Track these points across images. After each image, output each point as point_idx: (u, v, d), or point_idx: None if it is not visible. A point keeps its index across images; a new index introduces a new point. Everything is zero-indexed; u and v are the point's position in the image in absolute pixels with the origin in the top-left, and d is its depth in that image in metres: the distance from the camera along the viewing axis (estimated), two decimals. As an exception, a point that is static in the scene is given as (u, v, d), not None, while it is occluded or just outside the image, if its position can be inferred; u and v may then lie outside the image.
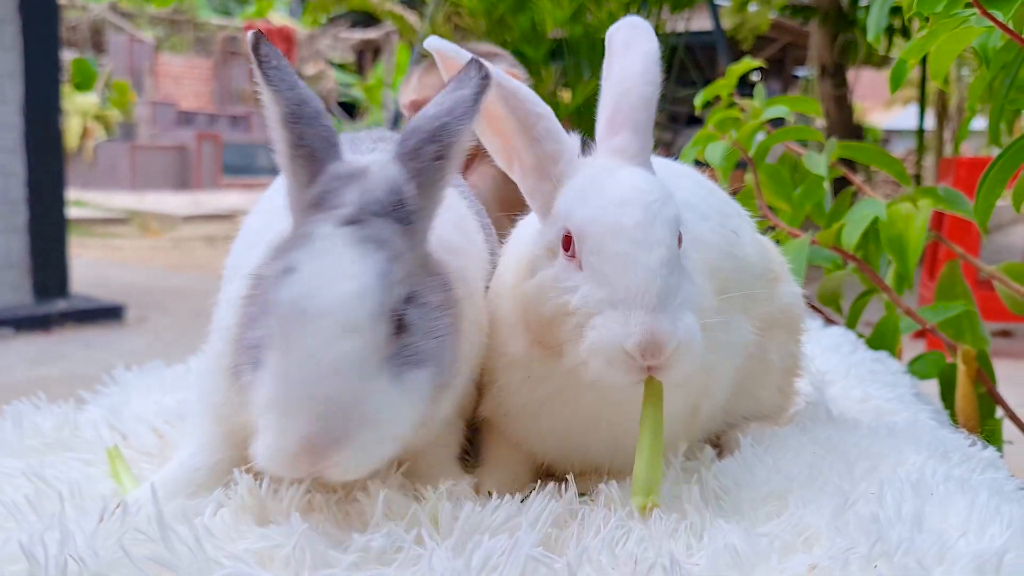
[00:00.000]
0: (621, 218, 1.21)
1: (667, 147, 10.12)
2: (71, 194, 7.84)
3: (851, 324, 2.74)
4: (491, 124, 1.35)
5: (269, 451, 1.05)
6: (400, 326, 1.09)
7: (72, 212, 7.89)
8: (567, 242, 1.25)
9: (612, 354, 1.16)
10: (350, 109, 25.75)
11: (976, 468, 1.39)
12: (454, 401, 1.30)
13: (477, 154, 2.08)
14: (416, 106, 2.35)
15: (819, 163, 2.79)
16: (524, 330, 1.32)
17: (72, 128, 19.21)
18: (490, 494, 1.29)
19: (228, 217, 15.50)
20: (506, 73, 1.33)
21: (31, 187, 7.14)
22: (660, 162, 1.63)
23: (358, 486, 1.21)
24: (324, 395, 1.03)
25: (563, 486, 1.27)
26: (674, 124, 10.22)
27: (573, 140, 1.35)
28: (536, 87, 6.31)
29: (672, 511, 1.19)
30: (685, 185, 1.55)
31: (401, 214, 1.16)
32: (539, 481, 1.36)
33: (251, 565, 1.01)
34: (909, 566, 0.99)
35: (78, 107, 19.88)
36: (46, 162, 7.28)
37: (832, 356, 2.14)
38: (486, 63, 1.23)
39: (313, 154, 1.20)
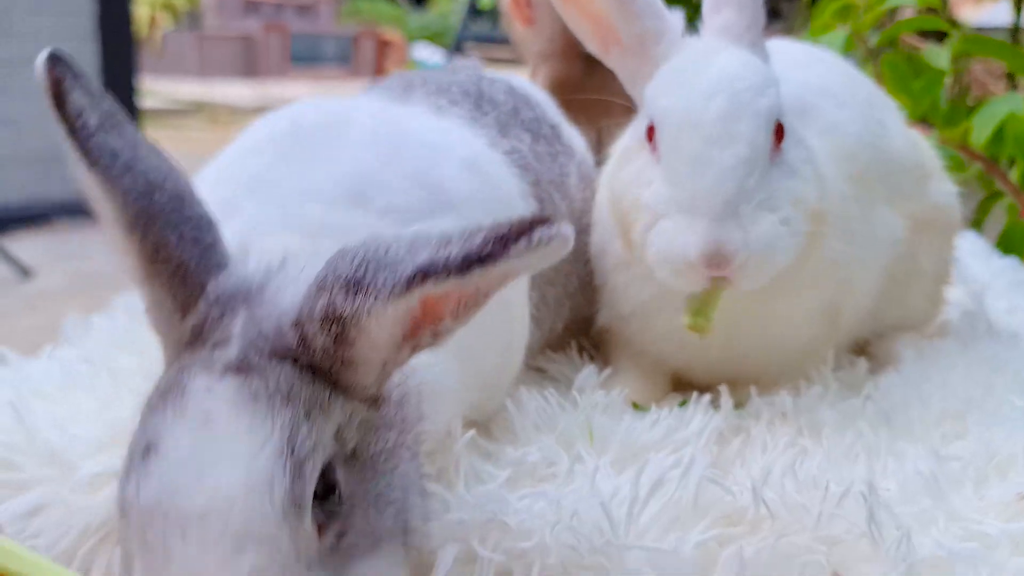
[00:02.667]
0: (702, 111, 1.12)
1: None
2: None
3: (976, 229, 2.61)
4: (582, 6, 1.25)
5: None
6: (328, 509, 0.74)
7: (142, 102, 7.86)
8: (650, 133, 1.17)
9: (676, 264, 1.10)
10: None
11: None
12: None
13: (543, 53, 1.92)
14: (518, 4, 1.99)
15: (941, 56, 2.62)
16: (618, 228, 1.25)
17: (140, 17, 19.19)
18: (635, 406, 1.22)
19: (296, 109, 15.43)
20: None
21: (105, 75, 7.09)
22: (801, 47, 1.55)
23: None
24: None
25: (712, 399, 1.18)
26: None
27: (676, 17, 1.25)
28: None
29: (845, 429, 1.10)
30: (825, 72, 1.45)
31: (306, 357, 0.76)
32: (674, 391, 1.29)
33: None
34: None
35: (145, -4, 19.81)
36: (119, 49, 7.21)
37: (972, 263, 2.01)
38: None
39: (181, 269, 0.79)
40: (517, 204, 1.17)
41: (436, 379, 0.92)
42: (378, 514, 0.78)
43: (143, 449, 0.72)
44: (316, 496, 0.72)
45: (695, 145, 1.11)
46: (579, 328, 1.42)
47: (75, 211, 6.38)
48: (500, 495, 0.91)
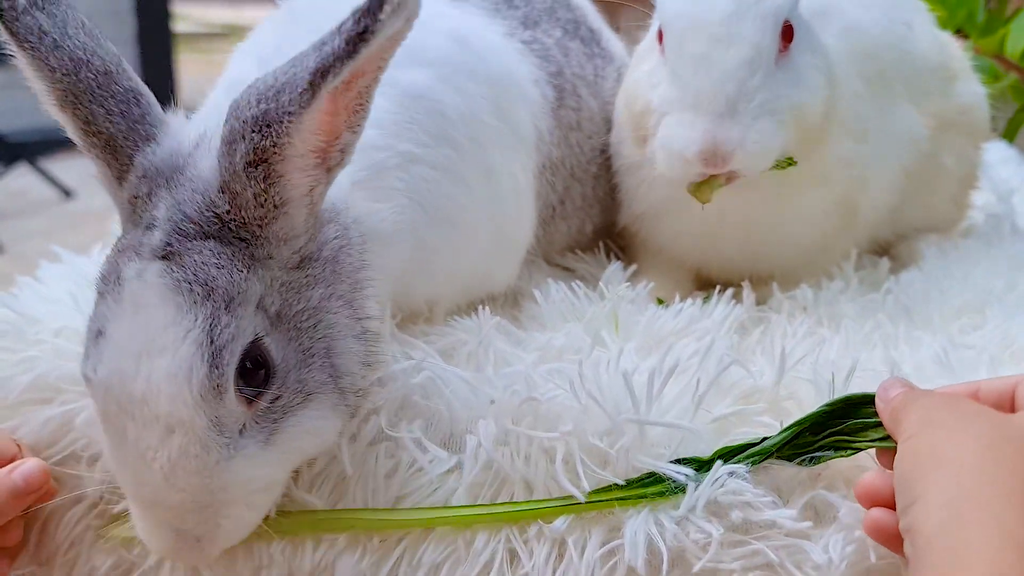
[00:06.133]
0: (706, 12, 1.12)
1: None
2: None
3: (1008, 140, 2.58)
4: None
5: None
6: (256, 377, 0.81)
7: (175, 27, 7.83)
8: (660, 36, 1.18)
9: (674, 160, 1.12)
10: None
11: None
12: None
13: None
14: None
15: (979, -35, 2.57)
16: (629, 128, 1.28)
17: (169, -60, 19.00)
18: (659, 301, 1.25)
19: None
20: None
21: (138, 0, 7.08)
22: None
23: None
24: (174, 506, 0.79)
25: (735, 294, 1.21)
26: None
27: None
28: None
29: (864, 320, 1.13)
30: None
31: (225, 232, 0.81)
32: (697, 290, 1.32)
33: (437, 357, 0.99)
34: None
35: (174, -82, 19.60)
36: (151, -26, 7.20)
37: (1001, 170, 2.01)
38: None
39: (111, 141, 0.86)
40: (519, 85, 1.23)
41: (380, 225, 0.98)
42: (307, 369, 0.84)
43: (95, 333, 0.80)
44: (247, 370, 0.80)
45: (699, 46, 1.12)
46: (607, 230, 1.46)
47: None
48: (528, 375, 0.95)
